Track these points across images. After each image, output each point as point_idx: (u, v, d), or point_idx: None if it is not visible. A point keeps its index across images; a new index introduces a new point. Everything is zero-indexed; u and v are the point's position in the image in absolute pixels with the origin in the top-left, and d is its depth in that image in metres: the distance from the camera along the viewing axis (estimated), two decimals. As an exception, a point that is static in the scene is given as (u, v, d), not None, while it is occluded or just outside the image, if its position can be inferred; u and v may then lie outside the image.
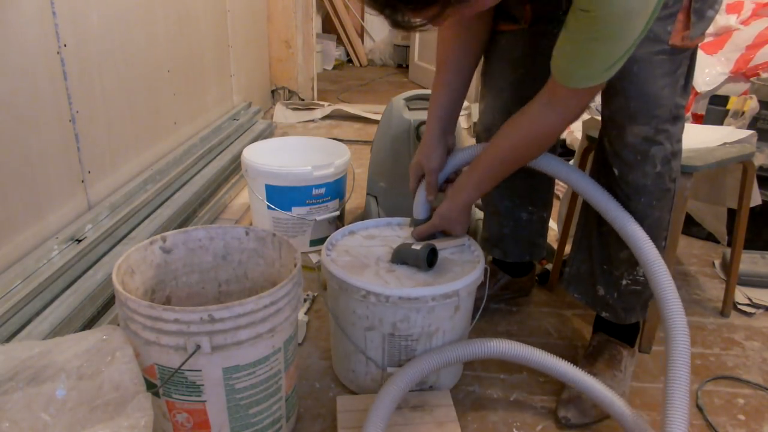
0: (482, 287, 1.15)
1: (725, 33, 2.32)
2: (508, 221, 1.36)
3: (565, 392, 1.13)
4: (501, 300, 1.47)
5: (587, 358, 1.19)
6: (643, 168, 1.03)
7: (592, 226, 1.16)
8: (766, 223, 1.72)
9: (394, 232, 1.26)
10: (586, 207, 1.17)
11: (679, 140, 1.05)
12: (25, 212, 1.19)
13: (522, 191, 1.32)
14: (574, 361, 1.25)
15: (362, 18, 5.17)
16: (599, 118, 1.42)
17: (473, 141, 3.02)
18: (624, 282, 1.13)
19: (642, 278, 1.12)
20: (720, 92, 2.18)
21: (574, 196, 1.53)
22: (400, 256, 1.12)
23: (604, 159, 1.08)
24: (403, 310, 1.03)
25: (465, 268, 1.11)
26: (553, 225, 1.95)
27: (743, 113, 1.79)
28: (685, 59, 1.00)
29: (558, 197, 2.18)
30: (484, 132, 1.30)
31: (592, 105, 3.01)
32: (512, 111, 1.21)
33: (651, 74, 0.98)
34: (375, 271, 1.10)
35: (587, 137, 1.39)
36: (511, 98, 1.21)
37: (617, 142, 1.04)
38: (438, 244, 1.15)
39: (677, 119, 1.02)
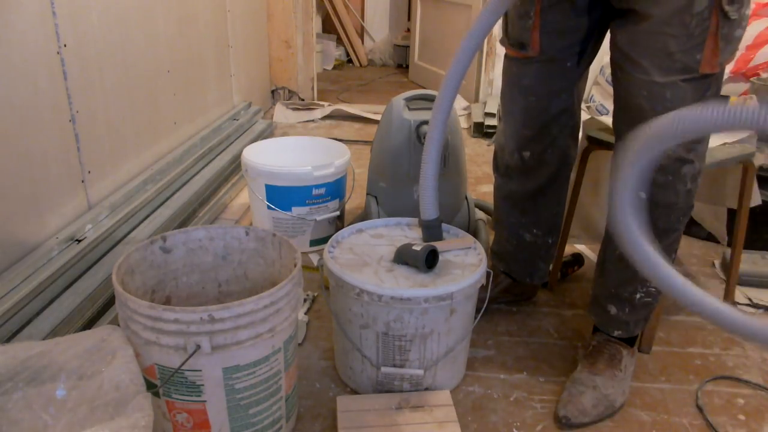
0: (484, 290, 1.15)
1: (725, 33, 2.31)
2: (512, 238, 1.36)
3: (565, 392, 1.13)
4: (501, 302, 1.47)
5: (587, 358, 1.19)
6: (675, 187, 1.03)
7: (608, 249, 1.16)
8: (766, 223, 1.72)
9: (403, 232, 1.26)
10: (608, 231, 1.16)
11: (704, 158, 1.06)
12: (25, 212, 1.19)
13: (528, 210, 1.32)
14: (574, 361, 1.25)
15: (362, 18, 5.17)
16: (600, 118, 1.42)
17: (473, 141, 3.01)
18: (638, 296, 1.14)
19: (653, 289, 1.12)
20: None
21: (573, 198, 1.52)
22: (402, 256, 1.12)
23: None
24: (396, 310, 1.03)
25: (465, 271, 1.11)
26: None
27: (743, 113, 1.79)
28: (714, 80, 1.00)
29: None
30: (499, 150, 1.32)
31: (593, 105, 3.01)
32: (523, 136, 1.22)
33: (683, 99, 0.98)
34: (374, 270, 1.10)
35: (587, 137, 1.39)
36: (522, 124, 1.22)
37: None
38: (441, 245, 1.15)
39: (704, 138, 1.03)
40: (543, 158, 1.24)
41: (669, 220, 1.06)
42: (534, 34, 1.13)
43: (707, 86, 0.99)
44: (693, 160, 1.02)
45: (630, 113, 1.04)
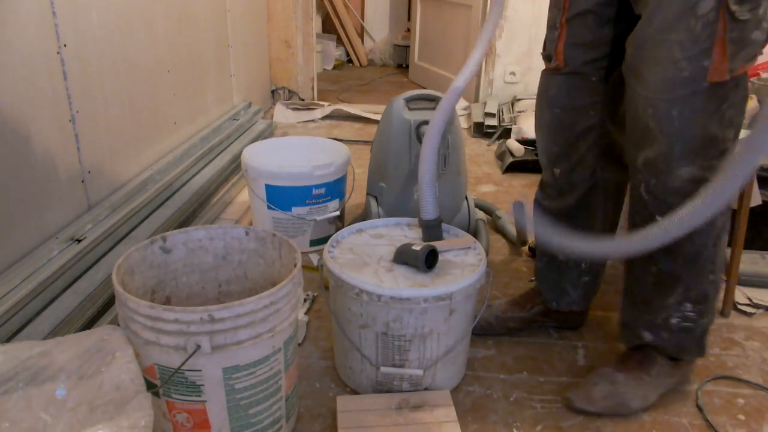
0: (484, 291, 1.15)
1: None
2: (543, 255, 1.31)
3: (583, 379, 1.15)
4: (540, 327, 1.37)
5: (619, 356, 1.18)
6: None
7: (635, 276, 1.11)
8: (766, 223, 1.72)
9: (403, 232, 1.26)
10: (630, 257, 1.11)
11: None
12: (25, 212, 1.19)
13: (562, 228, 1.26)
14: (574, 362, 1.25)
15: (362, 18, 5.17)
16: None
17: (473, 141, 3.01)
18: (674, 321, 1.08)
19: (692, 314, 1.07)
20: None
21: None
22: (401, 256, 1.12)
23: (643, 209, 1.03)
24: (395, 310, 1.03)
25: (465, 271, 1.11)
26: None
27: (743, 113, 1.79)
28: (731, 90, 0.92)
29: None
30: (540, 164, 1.27)
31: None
32: (552, 152, 1.19)
33: (692, 115, 0.92)
34: (374, 270, 1.10)
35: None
36: (550, 139, 1.19)
37: (657, 188, 0.99)
38: (441, 245, 1.15)
39: (725, 152, 0.95)
40: (572, 178, 1.19)
41: (695, 244, 1.00)
42: (559, 45, 1.10)
43: (722, 98, 0.91)
44: (710, 179, 0.93)
45: (637, 134, 0.99)
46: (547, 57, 1.15)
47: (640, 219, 1.05)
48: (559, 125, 1.16)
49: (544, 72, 1.19)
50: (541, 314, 1.35)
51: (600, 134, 1.16)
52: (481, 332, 1.33)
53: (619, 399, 1.10)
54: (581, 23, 1.07)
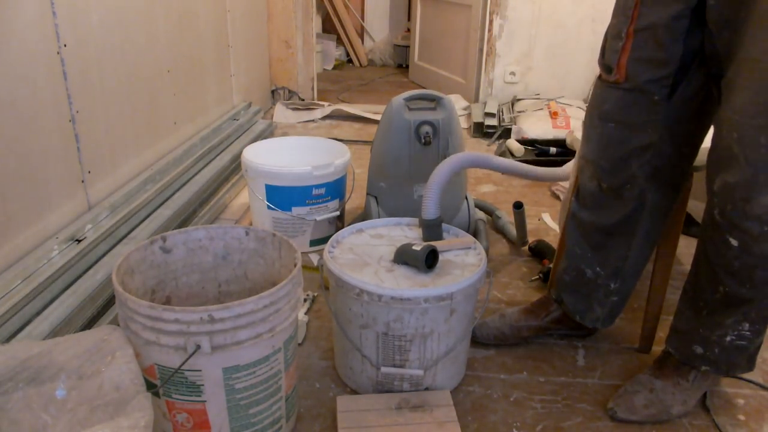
0: (484, 291, 1.15)
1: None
2: (572, 269, 1.24)
3: (621, 388, 1.14)
4: (552, 334, 1.35)
5: (656, 362, 1.16)
6: None
7: (702, 294, 1.06)
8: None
9: (403, 233, 1.26)
10: (698, 264, 1.06)
11: None
12: (25, 212, 1.19)
13: (596, 246, 1.19)
14: (574, 361, 1.25)
15: (362, 18, 5.17)
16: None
17: (473, 141, 3.01)
18: (728, 339, 1.04)
19: (748, 333, 1.03)
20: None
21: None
22: (402, 256, 1.12)
23: (715, 232, 0.97)
24: (396, 310, 1.03)
25: (465, 271, 1.11)
26: (553, 225, 1.95)
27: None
28: None
29: (558, 197, 2.18)
30: (579, 173, 1.20)
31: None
32: (599, 166, 1.12)
33: None
34: (375, 270, 1.10)
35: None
36: (598, 153, 1.12)
37: (735, 215, 0.92)
38: (441, 245, 1.15)
39: None
40: (620, 193, 1.12)
41: (766, 270, 0.95)
42: (622, 58, 1.02)
43: None
44: None
45: (717, 155, 0.94)
46: (606, 68, 1.06)
47: (711, 242, 0.99)
48: (611, 141, 1.09)
49: (600, 82, 1.10)
50: (554, 322, 1.33)
51: (654, 154, 1.07)
52: (496, 342, 1.30)
53: (661, 406, 1.09)
54: (650, 37, 0.99)
